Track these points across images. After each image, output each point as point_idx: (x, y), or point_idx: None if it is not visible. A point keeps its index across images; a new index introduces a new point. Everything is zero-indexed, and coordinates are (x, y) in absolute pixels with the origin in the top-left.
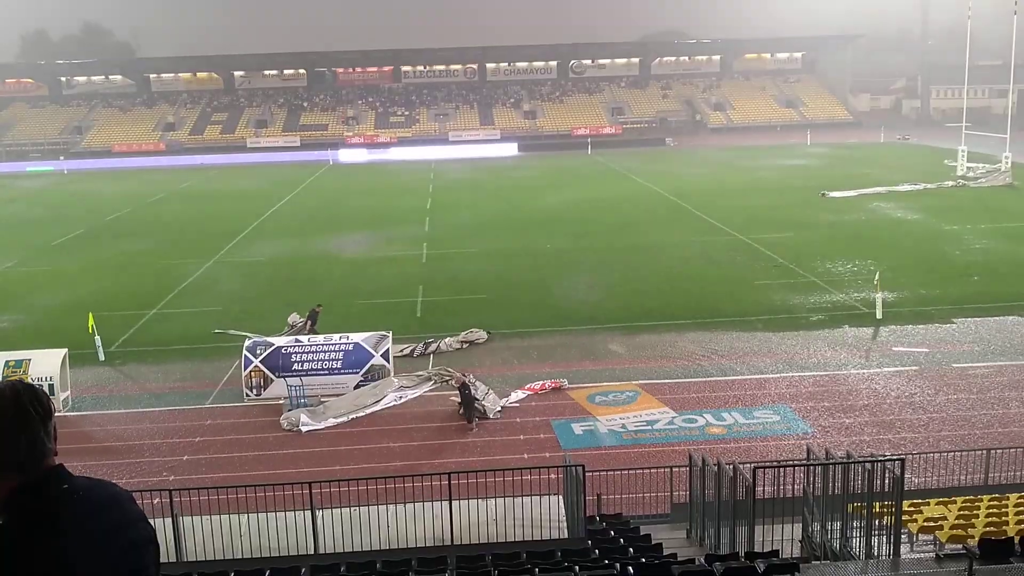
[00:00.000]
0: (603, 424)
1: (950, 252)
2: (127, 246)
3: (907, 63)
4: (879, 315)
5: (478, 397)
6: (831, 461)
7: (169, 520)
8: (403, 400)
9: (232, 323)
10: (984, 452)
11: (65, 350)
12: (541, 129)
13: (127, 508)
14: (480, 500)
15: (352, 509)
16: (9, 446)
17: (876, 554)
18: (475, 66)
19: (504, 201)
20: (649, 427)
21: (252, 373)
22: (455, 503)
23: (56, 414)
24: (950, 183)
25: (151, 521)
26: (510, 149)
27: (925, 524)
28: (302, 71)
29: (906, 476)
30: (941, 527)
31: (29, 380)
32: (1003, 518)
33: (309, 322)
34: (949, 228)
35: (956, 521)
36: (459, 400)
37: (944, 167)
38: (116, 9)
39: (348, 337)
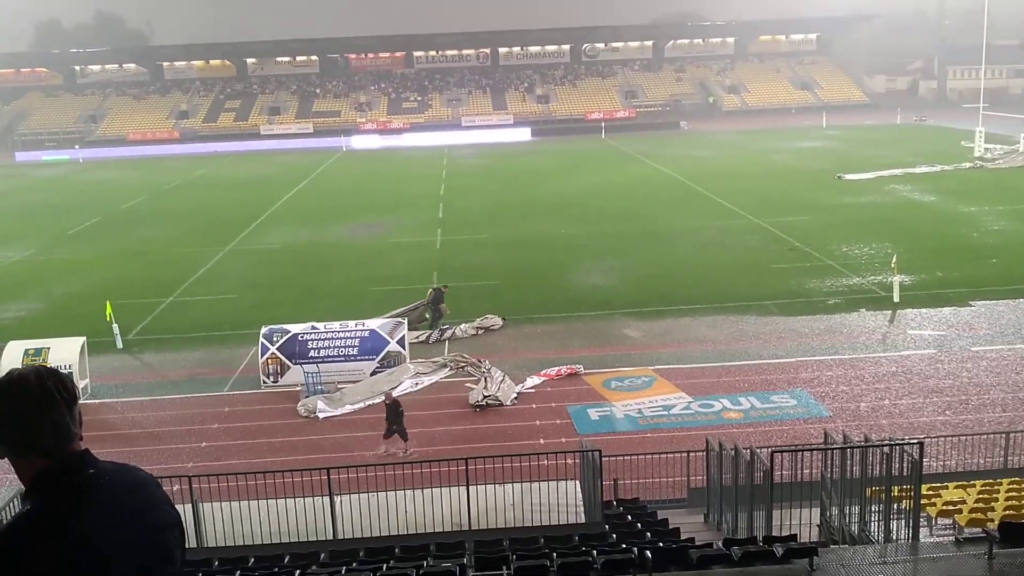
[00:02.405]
0: (619, 409)
1: (967, 234)
2: (143, 234)
3: (923, 43)
4: (896, 298)
5: (490, 390)
6: (849, 445)
7: (189, 506)
8: (419, 387)
9: (248, 310)
10: (1004, 435)
11: (83, 338)
12: (554, 113)
13: (153, 492)
14: (497, 485)
15: (370, 495)
16: (35, 430)
17: (895, 538)
18: (487, 51)
19: (518, 186)
20: (665, 412)
21: (269, 360)
22: (472, 488)
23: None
24: (967, 164)
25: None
26: (523, 134)
27: (944, 508)
28: (314, 58)
29: (925, 460)
30: (960, 511)
31: None
32: (1023, 501)
33: (433, 303)
34: (966, 210)
35: (975, 505)
36: (385, 416)
37: (961, 148)
38: None
39: (364, 324)
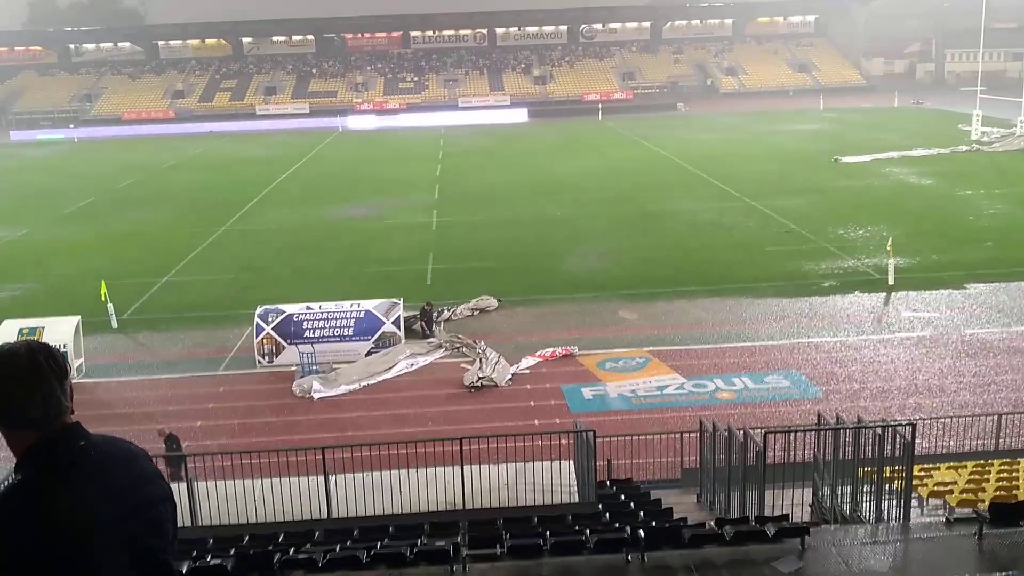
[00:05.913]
0: (613, 390)
1: (963, 217)
2: (138, 214)
3: (922, 26)
4: (891, 281)
5: (484, 371)
6: (842, 426)
7: (184, 485)
8: (414, 367)
9: (243, 290)
10: (995, 417)
11: (78, 318)
12: (551, 95)
13: (143, 465)
14: (492, 465)
15: (365, 474)
16: (26, 403)
17: (886, 518)
18: (484, 31)
19: (514, 168)
20: (659, 392)
21: (264, 340)
22: (467, 468)
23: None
24: (964, 148)
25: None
26: (520, 115)
27: (935, 488)
28: (311, 37)
29: (917, 441)
30: (951, 491)
31: None
32: (1013, 483)
33: (421, 320)
34: (963, 193)
35: (966, 486)
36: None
37: (958, 131)
38: None
39: (359, 304)
